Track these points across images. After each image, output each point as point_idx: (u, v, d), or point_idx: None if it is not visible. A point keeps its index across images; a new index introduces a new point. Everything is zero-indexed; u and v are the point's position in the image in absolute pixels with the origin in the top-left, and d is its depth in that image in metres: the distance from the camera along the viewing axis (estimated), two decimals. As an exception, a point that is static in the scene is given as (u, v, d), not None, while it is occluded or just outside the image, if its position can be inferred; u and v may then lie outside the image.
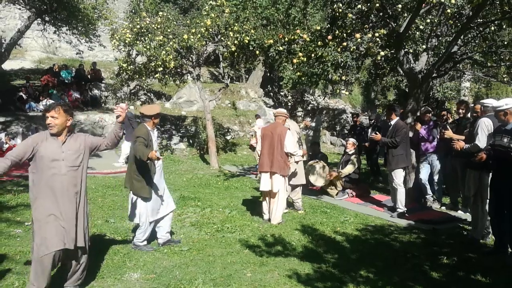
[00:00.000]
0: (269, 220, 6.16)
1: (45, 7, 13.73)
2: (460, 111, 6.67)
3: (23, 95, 14.09)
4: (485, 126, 5.05)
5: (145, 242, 4.92)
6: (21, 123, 12.42)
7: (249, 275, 4.22)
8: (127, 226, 5.77)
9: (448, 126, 6.46)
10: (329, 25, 7.50)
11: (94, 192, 7.76)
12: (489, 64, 8.56)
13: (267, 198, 6.24)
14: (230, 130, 15.72)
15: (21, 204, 6.72)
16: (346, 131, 17.36)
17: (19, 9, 15.34)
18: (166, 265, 4.44)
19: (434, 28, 7.66)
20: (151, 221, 4.87)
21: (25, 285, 3.85)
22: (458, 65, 8.98)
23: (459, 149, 5.30)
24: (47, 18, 14.72)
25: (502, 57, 8.21)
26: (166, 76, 11.09)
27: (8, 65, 16.53)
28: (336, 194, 7.95)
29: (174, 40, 10.12)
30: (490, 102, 5.31)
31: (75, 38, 15.57)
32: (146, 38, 10.33)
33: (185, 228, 5.77)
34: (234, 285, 3.97)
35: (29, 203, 6.77)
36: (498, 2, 6.69)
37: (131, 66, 10.99)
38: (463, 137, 5.77)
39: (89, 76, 16.82)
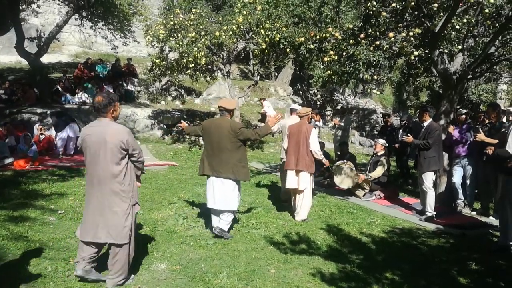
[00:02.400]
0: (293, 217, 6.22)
1: (82, 2, 14.17)
2: (491, 116, 6.48)
3: (60, 88, 14.59)
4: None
5: None
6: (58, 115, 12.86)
7: (273, 271, 4.25)
8: (155, 217, 5.91)
9: (480, 129, 6.27)
10: (362, 24, 7.41)
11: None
12: (528, 66, 8.26)
13: (292, 195, 6.32)
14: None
15: (55, 193, 6.98)
16: (376, 132, 17.09)
17: (58, 4, 15.91)
18: (192, 257, 4.53)
19: (471, 28, 7.43)
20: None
21: (57, 270, 4.01)
22: (495, 66, 8.70)
23: (490, 154, 5.15)
24: (84, 14, 15.19)
25: (541, 59, 7.89)
26: (197, 72, 11.27)
27: (46, 59, 17.12)
28: (363, 195, 7.85)
29: (206, 37, 10.25)
30: None
31: (111, 34, 16.00)
32: (179, 35, 10.51)
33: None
34: (258, 280, 4.01)
35: (62, 192, 7.06)
36: (540, 2, 6.45)
37: (164, 62, 11.21)
38: (495, 141, 5.59)
39: (123, 71, 17.24)
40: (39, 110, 12.89)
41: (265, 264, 4.41)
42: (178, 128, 5.39)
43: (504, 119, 6.29)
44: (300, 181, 6.07)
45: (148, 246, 4.81)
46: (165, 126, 14.40)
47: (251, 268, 4.28)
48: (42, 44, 14.33)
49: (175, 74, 11.95)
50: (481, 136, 5.83)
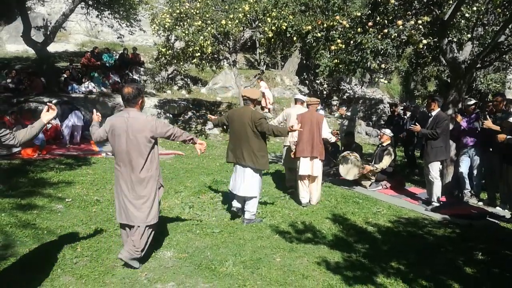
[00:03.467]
0: (309, 202, 6.46)
1: (88, -9, 14.14)
2: (497, 103, 6.44)
3: (67, 77, 14.62)
4: None
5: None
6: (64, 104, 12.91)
7: (278, 259, 4.27)
8: (161, 206, 5.93)
9: (488, 117, 6.22)
10: (370, 12, 7.32)
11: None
12: (538, 55, 8.13)
13: (305, 182, 6.46)
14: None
15: (63, 181, 7.04)
16: (382, 122, 16.98)
17: (64, -7, 15.87)
18: (198, 245, 4.56)
19: (481, 16, 7.33)
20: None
21: (65, 258, 4.06)
22: (504, 56, 8.57)
23: (500, 141, 5.08)
24: (90, 2, 15.17)
25: (553, 48, 7.76)
26: (203, 61, 11.24)
27: (52, 48, 17.14)
28: (370, 185, 7.83)
29: (212, 25, 10.19)
30: None
31: (117, 23, 15.96)
32: (185, 23, 10.46)
33: (217, 211, 5.87)
34: (264, 268, 4.03)
35: (70, 180, 7.11)
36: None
37: (170, 51, 11.19)
38: (496, 127, 5.60)
39: (130, 60, 17.24)
40: (46, 99, 12.91)
41: (270, 253, 4.43)
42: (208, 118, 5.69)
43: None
44: (314, 167, 6.39)
45: (155, 233, 4.83)
46: (171, 116, 14.42)
47: (257, 257, 4.30)
48: (48, 33, 14.33)
49: (181, 63, 11.92)
50: (488, 124, 5.77)
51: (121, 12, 15.35)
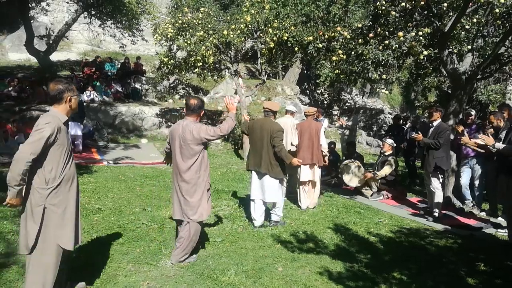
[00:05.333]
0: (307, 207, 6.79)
1: (91, 1, 14.28)
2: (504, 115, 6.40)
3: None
4: None
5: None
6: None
7: (280, 269, 4.26)
8: (162, 215, 5.95)
9: (485, 132, 6.23)
10: (371, 23, 7.39)
11: (133, 181, 8.03)
12: (538, 66, 8.18)
13: (305, 188, 6.81)
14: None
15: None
16: (383, 132, 17.03)
17: (67, 2, 16.04)
18: (200, 254, 4.55)
19: (481, 28, 7.39)
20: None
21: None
22: (504, 67, 8.62)
23: (489, 144, 5.06)
24: (93, 12, 15.31)
25: (552, 60, 7.81)
26: (205, 71, 11.30)
27: (55, 57, 17.26)
28: (371, 195, 7.84)
29: (214, 35, 10.26)
30: None
31: (119, 32, 16.09)
32: (187, 33, 10.54)
33: (219, 220, 5.87)
34: (266, 278, 4.03)
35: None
36: (551, 2, 6.39)
37: (172, 61, 11.25)
38: (472, 142, 5.62)
39: (132, 70, 17.33)
40: (48, 108, 12.97)
41: (272, 262, 4.43)
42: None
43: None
44: (315, 173, 6.79)
45: (157, 243, 4.84)
46: (172, 124, 14.45)
47: (259, 266, 4.29)
48: (51, 42, 14.47)
49: (183, 72, 11.99)
50: (465, 139, 5.79)
51: (123, 22, 15.48)
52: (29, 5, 14.21)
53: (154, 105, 15.41)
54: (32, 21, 15.50)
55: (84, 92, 14.27)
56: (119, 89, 15.83)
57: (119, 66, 17.56)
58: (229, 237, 5.16)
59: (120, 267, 4.11)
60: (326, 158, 7.06)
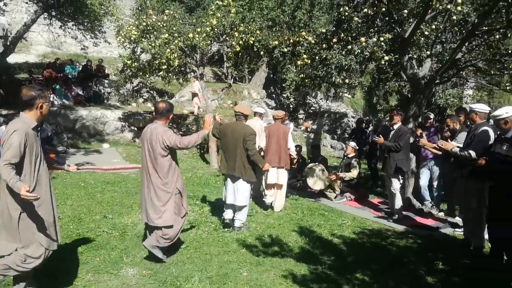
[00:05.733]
0: (271, 205, 6.95)
1: (52, 1, 13.80)
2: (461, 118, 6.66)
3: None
4: (487, 136, 5.00)
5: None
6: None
7: (245, 274, 4.23)
8: (124, 222, 5.79)
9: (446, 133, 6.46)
10: (334, 28, 7.51)
11: (94, 188, 7.79)
12: (492, 72, 8.57)
13: (271, 191, 6.97)
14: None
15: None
16: (347, 135, 17.36)
17: (26, 3, 15.43)
18: (163, 262, 4.45)
19: (439, 34, 7.66)
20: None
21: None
22: (461, 72, 8.97)
23: (448, 149, 5.24)
24: (53, 13, 14.78)
25: (506, 65, 8.20)
26: (170, 74, 11.14)
27: (12, 59, 16.59)
28: (335, 197, 7.95)
29: (179, 38, 10.14)
30: (479, 107, 5.28)
31: (81, 34, 15.62)
32: (151, 36, 10.36)
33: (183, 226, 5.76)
34: (230, 283, 3.98)
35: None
36: (504, 11, 6.70)
37: (135, 63, 11.03)
38: (431, 145, 5.83)
39: (94, 72, 16.88)
40: (4, 112, 12.44)
41: (237, 267, 4.39)
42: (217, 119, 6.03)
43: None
44: (280, 176, 6.83)
45: (118, 251, 4.70)
46: (136, 129, 14.17)
47: (223, 272, 4.24)
48: (8, 43, 13.88)
49: (147, 75, 11.76)
50: (423, 141, 6.00)
51: (85, 24, 15.02)
52: (-16, 4, 13.61)
53: (116, 109, 15.05)
54: (-13, 21, 14.84)
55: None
56: (80, 92, 15.37)
57: (80, 68, 17.06)
58: (194, 243, 5.09)
59: (78, 277, 3.97)
60: (295, 161, 7.17)
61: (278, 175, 6.82)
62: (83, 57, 18.51)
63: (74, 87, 15.34)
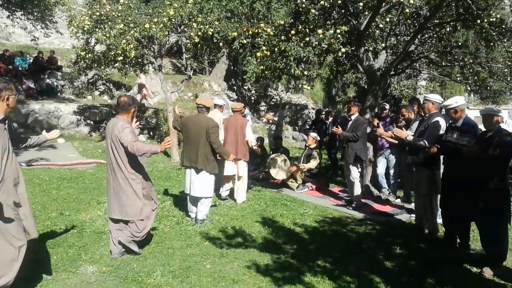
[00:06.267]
0: (233, 199, 6.97)
1: (-3, -11, 13.02)
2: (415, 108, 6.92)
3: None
4: (439, 125, 5.23)
5: None
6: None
7: (208, 266, 4.22)
8: (82, 218, 5.62)
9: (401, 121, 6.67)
10: (292, 20, 7.56)
11: (49, 184, 7.49)
12: (443, 63, 8.94)
13: (230, 181, 7.09)
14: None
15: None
16: (307, 126, 17.64)
17: (-32, -10, 14.46)
18: (124, 258, 4.36)
19: (393, 27, 7.90)
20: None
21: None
22: (414, 63, 9.30)
23: (403, 137, 5.43)
24: (0, 2, 13.96)
25: (456, 57, 8.59)
26: (126, 66, 10.85)
27: (-45, 50, 15.57)
28: (297, 187, 8.07)
29: (135, 29, 9.87)
30: (434, 97, 5.51)
31: (30, 24, 14.85)
32: (106, 26, 10.01)
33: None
34: (193, 276, 3.96)
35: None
36: (453, 4, 6.99)
37: (90, 55, 10.64)
38: (388, 134, 6.04)
39: (45, 65, 16.13)
40: None
41: (200, 260, 4.37)
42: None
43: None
44: (239, 168, 6.88)
45: (76, 248, 4.56)
46: (92, 122, 13.72)
47: (186, 265, 4.22)
48: (-51, 33, 12.95)
49: (103, 67, 11.38)
50: (380, 131, 6.19)
51: (35, 13, 14.29)
52: None
53: (71, 102, 14.49)
54: None
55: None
56: (31, 85, 14.65)
57: (31, 60, 16.25)
58: (155, 238, 5.01)
59: (35, 277, 3.80)
60: (255, 149, 7.28)
61: (237, 167, 6.87)
62: (33, 49, 17.59)
63: (25, 80, 14.60)
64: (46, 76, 15.67)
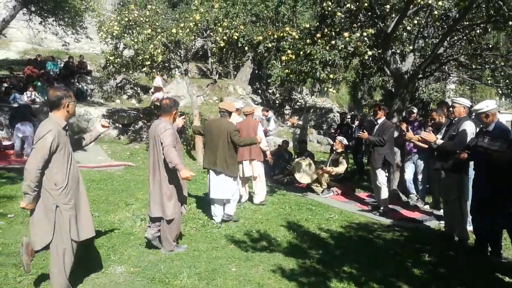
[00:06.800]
0: (249, 200, 7.10)
1: (31, -4, 13.51)
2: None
3: (8, 86, 13.83)
4: (469, 130, 5.10)
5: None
6: (5, 114, 12.20)
7: (234, 269, 4.24)
8: (111, 219, 5.74)
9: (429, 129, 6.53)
10: (318, 23, 7.54)
11: (79, 186, 7.68)
12: (474, 66, 8.71)
13: (247, 185, 7.21)
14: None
15: (4, 196, 6.61)
16: (332, 130, 17.50)
17: (4, -2, 15.07)
18: (151, 259, 4.43)
19: (421, 29, 7.76)
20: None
21: (7, 277, 3.81)
22: (443, 66, 9.11)
23: (431, 141, 5.31)
24: (33, 8, 14.48)
25: (486, 59, 8.35)
26: (154, 70, 11.03)
27: (-9, 55, 16.23)
28: (322, 192, 8.01)
29: (162, 34, 10.05)
30: (463, 101, 5.37)
31: (61, 30, 15.34)
32: (134, 31, 10.24)
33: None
34: (219, 279, 3.98)
35: (12, 195, 6.70)
36: (484, 6, 6.81)
37: (118, 59, 10.89)
38: (416, 138, 5.89)
39: (76, 69, 16.61)
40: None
41: (226, 263, 4.39)
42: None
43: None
44: (254, 168, 6.95)
45: (105, 249, 4.66)
46: (120, 126, 14.02)
47: (212, 267, 4.24)
48: (-14, 39, 13.51)
49: (131, 71, 11.64)
50: (409, 135, 6.05)
51: (66, 19, 14.77)
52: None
53: (100, 106, 14.86)
54: (-36, 17, 14.45)
55: (25, 93, 13.50)
56: (63, 89, 15.09)
57: (62, 65, 16.76)
58: (182, 240, 5.07)
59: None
60: (268, 153, 7.38)
61: (252, 168, 6.95)
62: (64, 54, 18.18)
63: (56, 84, 15.08)
64: (76, 80, 16.12)
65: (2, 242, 4.69)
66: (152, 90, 16.84)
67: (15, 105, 12.21)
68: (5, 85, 13.87)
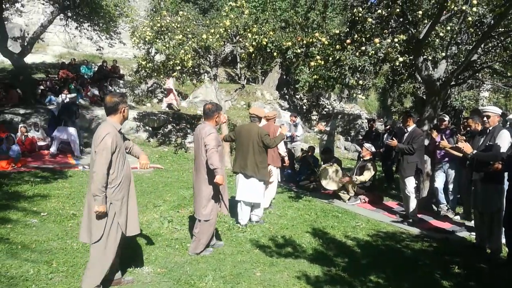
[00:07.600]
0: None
1: (68, 2, 13.99)
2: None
3: (44, 89, 14.37)
4: (508, 139, 4.95)
5: None
6: (40, 115, 12.68)
7: (258, 274, 4.25)
8: (140, 220, 5.83)
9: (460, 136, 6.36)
10: (348, 29, 7.48)
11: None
12: (509, 74, 8.44)
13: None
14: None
15: (38, 195, 6.86)
16: (360, 137, 17.27)
17: (43, 4, 15.67)
18: (177, 260, 4.50)
19: (454, 35, 7.57)
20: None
21: (40, 273, 3.95)
22: (477, 74, 8.86)
23: (468, 152, 5.16)
24: (69, 14, 14.99)
25: (522, 67, 8.08)
26: (184, 75, 11.21)
27: (30, 59, 16.83)
28: (349, 199, 7.91)
29: (193, 39, 10.20)
30: (494, 109, 5.22)
31: (96, 35, 15.81)
32: (165, 37, 10.44)
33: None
34: (244, 283, 4.00)
35: (45, 194, 6.94)
36: (521, 12, 6.59)
37: (150, 64, 11.12)
38: (453, 146, 5.73)
39: (109, 73, 17.08)
40: (22, 111, 12.68)
41: (250, 267, 4.41)
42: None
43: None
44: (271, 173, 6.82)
45: (132, 249, 4.76)
46: (150, 129, 14.29)
47: (237, 271, 4.27)
48: (26, 44, 14.10)
49: (161, 76, 11.86)
50: (444, 143, 5.91)
51: (100, 25, 15.21)
52: (3, 6, 13.83)
53: (131, 109, 15.18)
54: (6, 23, 15.06)
55: (60, 95, 13.98)
56: (96, 92, 15.56)
57: (95, 69, 17.27)
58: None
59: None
60: (286, 159, 7.35)
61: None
62: (98, 58, 18.72)
63: (90, 87, 15.56)
64: (109, 84, 16.57)
65: (35, 239, 4.87)
66: (165, 92, 17.16)
67: (66, 100, 12.73)
68: (42, 87, 14.39)
